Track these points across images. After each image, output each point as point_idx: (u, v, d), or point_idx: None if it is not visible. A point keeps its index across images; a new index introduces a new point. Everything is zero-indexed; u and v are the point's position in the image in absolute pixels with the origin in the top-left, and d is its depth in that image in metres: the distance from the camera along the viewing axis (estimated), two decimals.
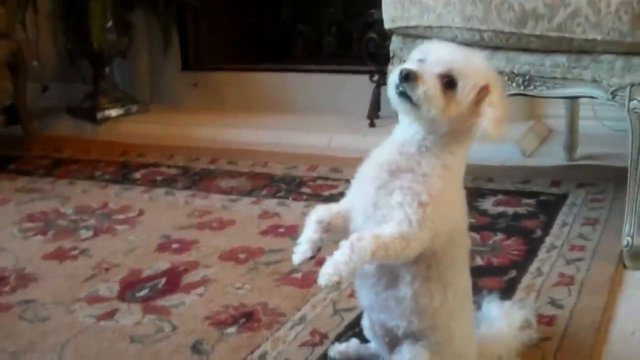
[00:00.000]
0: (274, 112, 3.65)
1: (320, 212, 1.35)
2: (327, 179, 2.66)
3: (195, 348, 1.60)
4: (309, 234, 1.32)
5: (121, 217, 2.43)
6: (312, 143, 3.15)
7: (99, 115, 3.70)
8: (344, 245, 1.21)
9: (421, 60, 1.26)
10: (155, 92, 4.01)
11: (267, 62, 4.04)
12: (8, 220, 2.42)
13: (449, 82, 1.23)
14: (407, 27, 2.29)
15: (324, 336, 1.62)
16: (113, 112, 3.74)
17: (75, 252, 2.14)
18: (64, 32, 3.82)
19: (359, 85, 3.41)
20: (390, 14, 2.36)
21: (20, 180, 2.89)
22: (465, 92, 1.23)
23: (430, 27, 2.17)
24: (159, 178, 2.85)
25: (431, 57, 1.25)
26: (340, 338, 1.60)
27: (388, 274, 1.30)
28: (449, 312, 1.32)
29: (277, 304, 1.77)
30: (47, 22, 3.86)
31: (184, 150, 3.16)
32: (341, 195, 1.38)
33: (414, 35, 2.29)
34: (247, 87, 3.84)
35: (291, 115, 3.61)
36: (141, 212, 2.46)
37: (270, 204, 2.49)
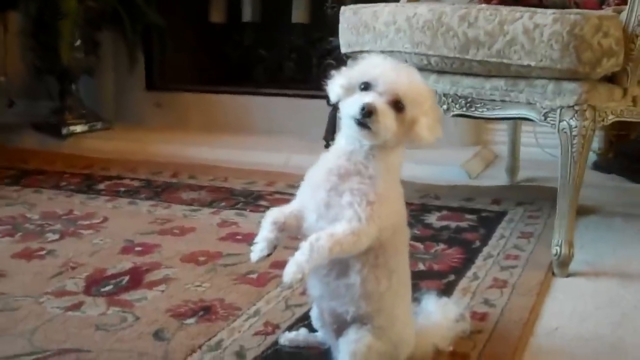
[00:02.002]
0: (235, 133, 3.80)
1: (275, 213, 1.49)
2: (284, 193, 2.82)
3: (157, 335, 1.72)
4: (265, 233, 1.46)
5: (86, 222, 2.54)
6: (270, 162, 3.30)
7: (64, 130, 3.82)
8: (304, 246, 1.36)
9: (368, 85, 1.40)
10: (119, 110, 4.14)
11: (230, 84, 4.19)
12: None
13: (397, 107, 1.39)
14: (361, 52, 2.46)
15: (276, 327, 1.76)
16: (78, 128, 3.87)
17: (42, 253, 2.25)
18: (33, 49, 3.94)
19: (317, 108, 3.57)
20: (347, 39, 2.54)
21: None
22: (410, 113, 1.40)
23: (383, 51, 2.34)
24: (123, 189, 2.97)
25: (379, 83, 1.40)
26: (290, 328, 1.73)
27: (339, 264, 1.45)
28: (393, 296, 1.48)
29: (233, 300, 1.91)
30: (16, 39, 3.98)
31: (146, 164, 3.29)
32: None
33: None
34: (209, 108, 3.99)
35: (251, 136, 3.76)
36: (105, 219, 2.58)
37: (229, 214, 2.64)
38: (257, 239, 1.46)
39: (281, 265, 1.36)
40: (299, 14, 4.26)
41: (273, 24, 4.39)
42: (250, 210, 2.66)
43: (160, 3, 4.00)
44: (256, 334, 1.73)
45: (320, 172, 1.47)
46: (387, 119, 1.37)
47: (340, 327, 1.52)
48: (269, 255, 1.46)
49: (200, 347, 1.66)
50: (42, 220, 2.56)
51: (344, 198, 1.41)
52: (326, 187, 1.43)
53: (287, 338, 1.67)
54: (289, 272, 1.34)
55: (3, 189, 2.97)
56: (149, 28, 4.02)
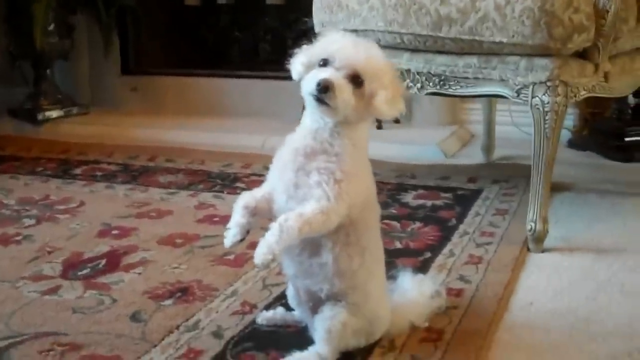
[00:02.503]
0: (212, 116, 3.79)
1: (246, 197, 1.50)
2: (260, 175, 2.75)
3: (134, 317, 1.73)
4: (238, 218, 1.47)
5: (62, 207, 2.54)
6: (247, 144, 3.29)
7: (40, 116, 3.79)
8: (274, 226, 1.38)
9: (326, 61, 1.40)
10: (95, 95, 4.11)
11: (205, 67, 4.17)
12: None
13: (356, 82, 1.39)
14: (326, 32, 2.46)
15: (253, 306, 1.77)
16: (54, 114, 3.83)
17: (19, 238, 2.25)
18: (6, 34, 3.90)
19: (293, 90, 3.54)
20: (320, 18, 2.54)
21: None
22: (369, 87, 1.40)
23: (355, 30, 2.34)
24: (99, 174, 2.96)
25: (336, 59, 1.39)
26: (268, 308, 1.74)
27: (311, 243, 1.46)
28: (366, 272, 1.49)
29: (211, 281, 1.91)
30: None
31: (123, 149, 3.28)
32: None
33: None
34: (185, 92, 3.97)
35: (228, 118, 3.75)
36: (82, 203, 2.57)
37: (207, 196, 2.64)
38: (230, 224, 1.48)
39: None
40: None
41: (248, 6, 4.36)
42: (228, 193, 2.66)
43: None
44: (234, 313, 1.74)
45: (287, 152, 1.47)
46: (344, 94, 1.37)
47: (315, 304, 1.53)
48: (242, 240, 1.47)
49: (177, 327, 1.67)
50: (19, 206, 2.55)
51: (312, 177, 1.42)
52: (293, 168, 1.44)
53: (264, 317, 1.68)
54: (260, 253, 1.35)
55: None
56: (124, 11, 3.99)
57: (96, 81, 4.12)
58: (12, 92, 4.04)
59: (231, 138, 3.40)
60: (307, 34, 3.63)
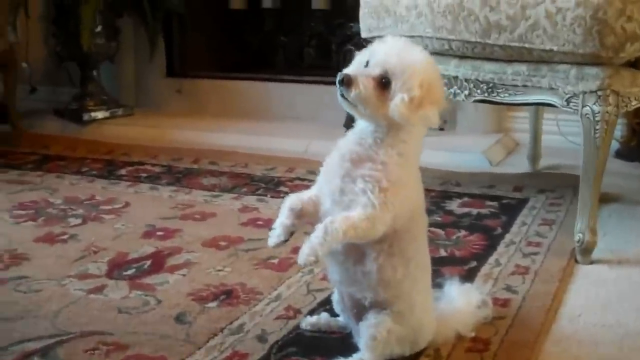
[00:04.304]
0: (255, 120, 3.80)
1: (293, 199, 1.50)
2: (304, 179, 2.82)
3: (179, 319, 1.73)
4: (283, 219, 1.47)
5: (108, 207, 2.56)
6: (290, 148, 3.30)
7: (85, 116, 3.83)
8: (319, 228, 1.37)
9: (367, 63, 1.41)
10: (140, 96, 4.15)
11: (249, 71, 4.19)
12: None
13: (384, 82, 1.37)
14: (382, 37, 2.45)
15: (297, 311, 1.76)
16: (99, 114, 3.87)
17: (65, 237, 2.27)
18: (54, 36, 3.96)
19: (337, 95, 3.56)
20: (367, 24, 2.53)
21: (10, 173, 3.02)
22: (398, 89, 1.36)
23: (403, 36, 2.33)
24: (144, 175, 2.98)
25: (372, 59, 1.40)
26: (312, 313, 1.74)
27: (355, 251, 1.45)
28: (411, 282, 1.48)
29: (255, 284, 1.91)
30: (37, 25, 4.00)
31: (167, 151, 3.30)
32: None
33: None
34: (229, 95, 3.99)
35: (271, 122, 3.76)
36: (127, 204, 2.59)
37: (250, 200, 2.64)
38: (275, 224, 1.48)
39: None
40: (319, 0, 4.25)
41: (293, 10, 4.38)
42: (271, 196, 2.66)
43: None
44: (278, 318, 1.73)
45: (335, 158, 1.47)
46: (361, 89, 1.36)
47: (360, 311, 1.53)
48: (285, 241, 1.47)
49: (222, 330, 1.67)
50: (65, 205, 2.58)
51: (357, 185, 1.41)
52: (340, 174, 1.44)
53: (308, 322, 1.67)
54: (303, 254, 1.35)
55: (26, 174, 2.99)
56: (170, 14, 4.02)
57: (141, 83, 4.15)
58: (58, 92, 4.11)
59: (274, 142, 3.41)
60: (352, 39, 3.65)
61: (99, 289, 1.89)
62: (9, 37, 3.55)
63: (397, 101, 1.35)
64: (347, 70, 1.39)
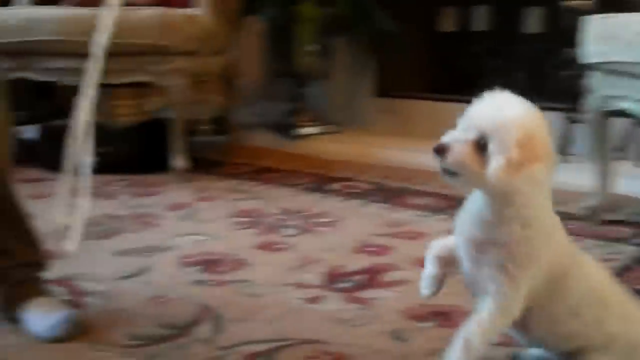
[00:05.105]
0: None
1: (438, 247, 1.47)
2: None
3: (395, 335, 1.73)
4: (431, 269, 1.46)
5: (320, 220, 2.62)
6: None
7: (296, 132, 3.96)
8: (457, 344, 1.37)
9: (465, 128, 1.30)
10: (349, 114, 4.22)
11: (457, 93, 4.16)
12: (221, 214, 2.69)
13: (482, 145, 1.25)
14: (607, 63, 2.36)
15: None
16: (309, 130, 3.99)
17: (281, 246, 2.35)
18: (270, 53, 4.13)
19: (551, 121, 3.45)
20: (593, 49, 2.44)
21: (228, 182, 3.18)
22: (497, 151, 1.23)
23: (632, 63, 2.23)
24: (354, 191, 3.04)
25: (469, 122, 1.29)
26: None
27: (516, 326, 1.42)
28: (596, 323, 1.41)
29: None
30: (255, 42, 4.19)
31: (376, 169, 3.34)
32: None
33: (615, 71, 2.36)
34: (437, 116, 3.97)
35: None
36: (338, 218, 2.64)
37: None
38: (423, 274, 1.46)
39: None
40: (531, 23, 4.16)
41: (503, 33, 4.31)
42: None
43: (391, 11, 4.04)
44: (498, 344, 1.69)
45: (463, 220, 1.40)
46: (456, 154, 1.26)
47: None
48: (438, 290, 1.46)
49: (439, 351, 1.65)
50: (280, 215, 2.67)
51: (484, 272, 1.36)
52: (468, 259, 1.39)
53: (528, 353, 1.62)
54: None
55: (243, 184, 3.14)
56: (381, 35, 4.07)
57: (351, 102, 4.24)
58: (272, 107, 4.27)
59: None
60: (568, 64, 3.54)
61: (315, 300, 1.94)
62: (230, 54, 3.74)
63: (494, 165, 1.23)
64: (443, 138, 1.29)
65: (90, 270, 2.11)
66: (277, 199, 2.90)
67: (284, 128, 4.02)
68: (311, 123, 4.03)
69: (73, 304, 1.88)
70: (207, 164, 3.44)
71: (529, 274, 1.34)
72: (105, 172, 3.26)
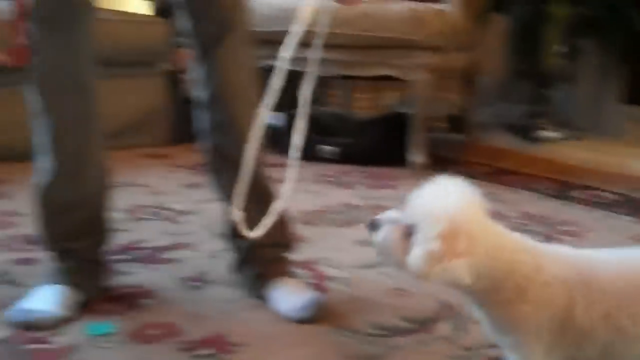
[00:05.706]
0: None
1: None
2: None
3: None
4: None
5: (563, 228, 2.52)
6: None
7: (536, 135, 3.82)
8: None
9: (403, 210, 1.24)
10: (594, 120, 4.02)
11: None
12: None
13: (410, 232, 1.19)
14: None
15: None
16: (550, 134, 3.84)
17: None
18: (513, 52, 4.02)
19: None
20: None
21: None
22: (419, 241, 1.17)
23: None
24: (598, 200, 2.89)
25: (406, 206, 1.22)
26: None
27: None
28: None
29: None
30: (497, 41, 4.09)
31: (624, 179, 3.16)
32: None
33: None
34: None
35: None
36: (584, 229, 2.52)
37: None
38: None
39: None
40: None
41: None
42: None
43: None
44: None
45: None
46: (384, 236, 1.22)
47: None
48: None
49: None
50: (520, 220, 2.59)
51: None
52: None
53: None
54: None
55: (481, 184, 3.02)
56: (636, 37, 3.84)
57: (596, 107, 4.03)
58: (510, 108, 4.15)
59: None
60: None
61: None
62: (474, 51, 3.69)
63: (414, 254, 1.17)
64: (379, 215, 1.24)
65: (332, 256, 2.15)
66: (516, 203, 2.81)
67: (524, 130, 3.90)
68: (553, 127, 3.88)
69: (316, 287, 1.92)
70: (443, 161, 3.41)
71: None
72: (345, 163, 3.36)
